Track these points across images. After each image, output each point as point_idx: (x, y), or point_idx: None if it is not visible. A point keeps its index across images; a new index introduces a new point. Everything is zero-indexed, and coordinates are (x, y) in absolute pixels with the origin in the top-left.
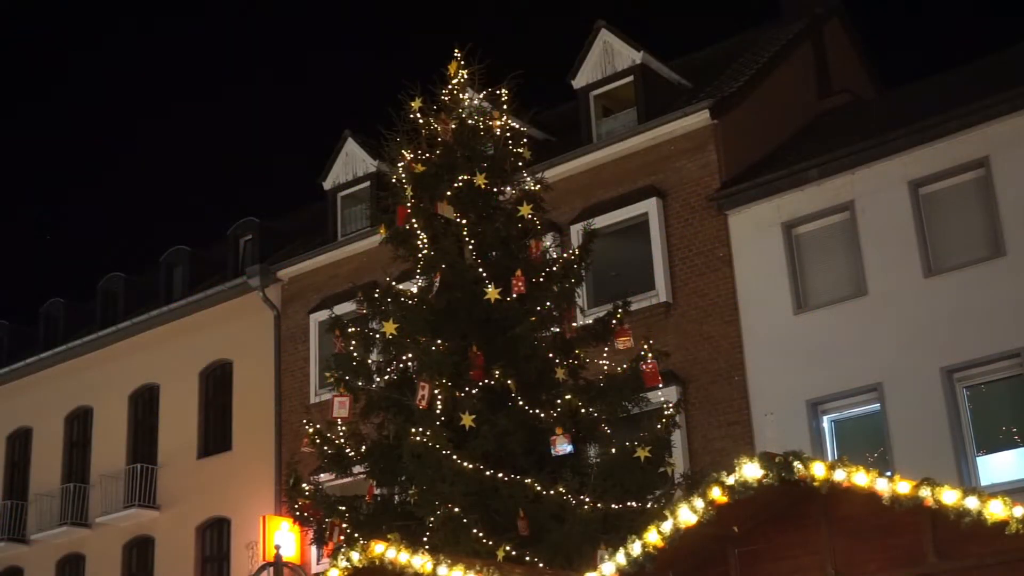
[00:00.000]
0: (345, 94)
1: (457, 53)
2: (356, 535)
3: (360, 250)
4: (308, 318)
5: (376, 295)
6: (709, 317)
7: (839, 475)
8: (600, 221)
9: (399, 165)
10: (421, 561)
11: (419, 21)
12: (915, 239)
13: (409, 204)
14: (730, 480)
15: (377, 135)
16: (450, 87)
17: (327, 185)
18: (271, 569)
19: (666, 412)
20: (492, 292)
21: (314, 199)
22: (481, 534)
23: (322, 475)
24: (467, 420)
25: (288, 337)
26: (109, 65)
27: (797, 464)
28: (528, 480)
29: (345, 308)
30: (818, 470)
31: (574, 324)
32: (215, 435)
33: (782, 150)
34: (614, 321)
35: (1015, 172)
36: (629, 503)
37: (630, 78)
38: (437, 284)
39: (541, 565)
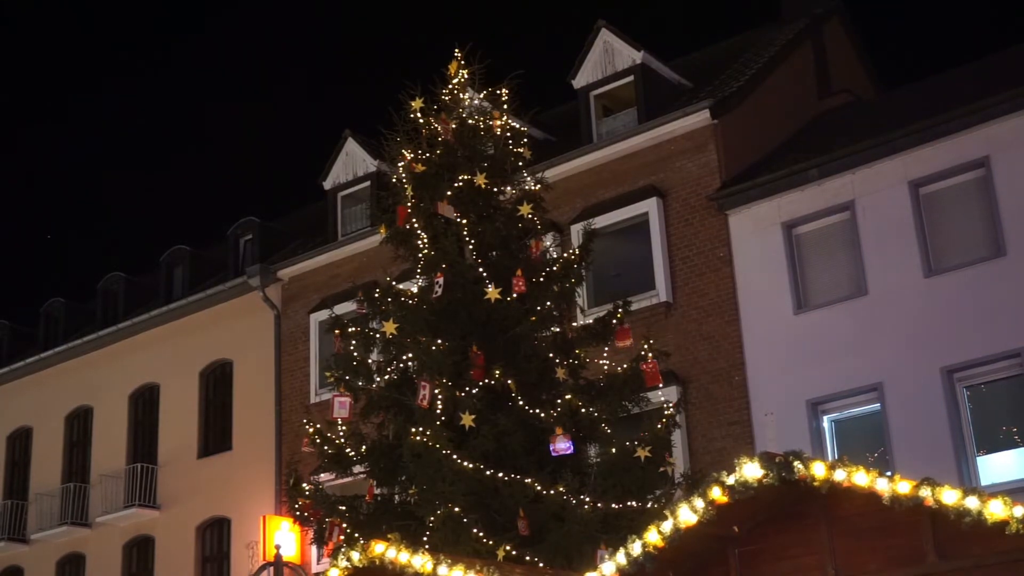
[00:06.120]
0: (345, 94)
1: (457, 53)
2: (356, 535)
3: (360, 250)
4: (308, 318)
5: (376, 295)
6: (709, 317)
7: (839, 475)
8: (600, 221)
9: (399, 165)
10: (421, 561)
11: (419, 21)
12: (915, 239)
13: (409, 204)
14: (730, 480)
15: (377, 135)
16: (450, 87)
17: (327, 185)
18: (271, 569)
19: (666, 412)
20: (492, 292)
21: (314, 199)
22: (481, 534)
23: (322, 475)
24: (467, 420)
25: (288, 337)
26: (109, 65)
27: (797, 464)
28: (528, 480)
29: (345, 308)
30: (818, 470)
31: (574, 324)
32: (215, 435)
33: (782, 150)
34: (614, 321)
35: (1015, 172)
36: (629, 503)
37: (630, 78)
38: (440, 285)
39: (541, 565)
